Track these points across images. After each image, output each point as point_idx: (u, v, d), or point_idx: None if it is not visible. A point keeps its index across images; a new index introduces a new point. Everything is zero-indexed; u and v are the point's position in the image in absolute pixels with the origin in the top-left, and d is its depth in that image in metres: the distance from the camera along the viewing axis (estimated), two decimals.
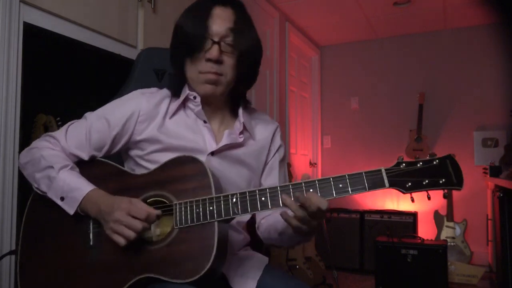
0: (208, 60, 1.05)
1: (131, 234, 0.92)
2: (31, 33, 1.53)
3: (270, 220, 1.16)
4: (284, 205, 0.93)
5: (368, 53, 4.56)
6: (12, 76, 1.45)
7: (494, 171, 3.19)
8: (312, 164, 4.50)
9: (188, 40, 1.06)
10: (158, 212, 0.95)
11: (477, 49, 4.06)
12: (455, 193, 3.81)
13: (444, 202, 3.82)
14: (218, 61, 1.05)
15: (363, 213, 3.94)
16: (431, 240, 3.31)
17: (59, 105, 1.79)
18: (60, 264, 1.03)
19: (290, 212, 0.94)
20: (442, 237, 3.69)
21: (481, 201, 3.87)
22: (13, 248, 1.37)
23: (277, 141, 1.23)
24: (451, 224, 3.73)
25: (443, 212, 3.78)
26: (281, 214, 0.95)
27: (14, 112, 1.45)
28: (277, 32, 3.73)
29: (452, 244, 3.63)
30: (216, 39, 1.05)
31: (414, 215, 3.80)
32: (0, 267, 1.41)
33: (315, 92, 4.72)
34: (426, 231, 3.80)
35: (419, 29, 4.24)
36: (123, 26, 1.93)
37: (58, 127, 1.66)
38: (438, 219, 3.79)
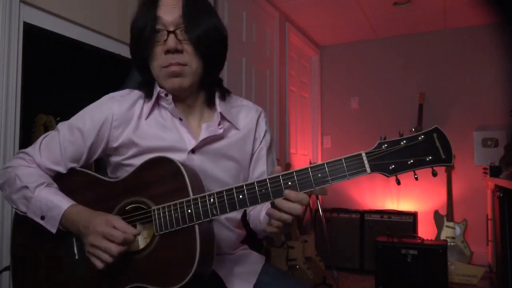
0: (167, 52, 1.00)
1: (108, 259, 0.90)
2: (31, 33, 1.53)
3: (256, 211, 1.13)
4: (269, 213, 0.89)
5: (368, 53, 4.55)
6: (12, 76, 1.45)
7: (494, 171, 3.18)
8: None
9: (143, 36, 1.01)
10: (136, 232, 0.92)
11: (477, 49, 4.06)
12: (455, 193, 3.82)
13: (444, 202, 3.82)
14: (178, 51, 1.00)
15: (363, 213, 3.94)
16: (431, 240, 3.31)
17: (59, 105, 1.79)
18: (50, 278, 1.03)
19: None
20: (442, 237, 3.69)
21: (481, 201, 3.86)
22: None
23: (262, 127, 1.17)
24: (451, 224, 3.73)
25: (443, 212, 3.78)
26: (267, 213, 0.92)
27: (14, 112, 1.46)
28: (277, 32, 3.73)
29: (452, 244, 3.63)
30: (171, 29, 1.00)
31: (414, 215, 3.80)
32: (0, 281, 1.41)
33: (315, 92, 4.72)
34: (426, 231, 3.80)
35: (419, 29, 4.24)
36: (123, 26, 1.93)
37: None
38: (438, 219, 3.78)
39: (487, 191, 3.75)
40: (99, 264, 0.91)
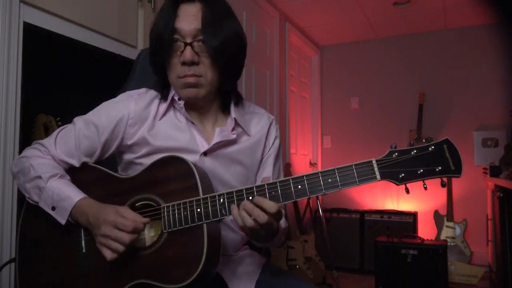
0: (183, 63, 1.00)
1: (119, 248, 0.91)
2: (31, 33, 1.53)
3: None
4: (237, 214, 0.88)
5: (368, 53, 4.55)
6: (12, 76, 1.45)
7: (494, 171, 3.18)
8: (312, 164, 4.49)
9: (160, 45, 1.02)
10: (146, 220, 0.93)
11: (477, 49, 4.06)
12: (455, 193, 3.82)
13: (444, 202, 3.82)
14: (194, 63, 1.00)
15: (363, 213, 3.94)
16: (431, 240, 3.31)
17: (59, 105, 1.79)
18: (56, 272, 1.03)
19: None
20: (442, 237, 3.69)
21: (481, 201, 3.87)
22: (13, 255, 1.37)
23: (272, 135, 1.19)
24: (451, 224, 3.73)
25: (443, 212, 3.78)
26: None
27: (14, 112, 1.45)
28: (277, 32, 3.73)
29: (452, 244, 3.63)
30: (188, 40, 1.00)
31: (414, 215, 3.80)
32: (0, 275, 1.41)
33: (315, 92, 4.72)
34: (426, 231, 3.80)
35: (419, 29, 4.24)
36: (123, 26, 1.93)
37: (58, 127, 1.65)
38: (438, 219, 3.78)
39: (487, 191, 3.75)
40: (110, 254, 0.92)
